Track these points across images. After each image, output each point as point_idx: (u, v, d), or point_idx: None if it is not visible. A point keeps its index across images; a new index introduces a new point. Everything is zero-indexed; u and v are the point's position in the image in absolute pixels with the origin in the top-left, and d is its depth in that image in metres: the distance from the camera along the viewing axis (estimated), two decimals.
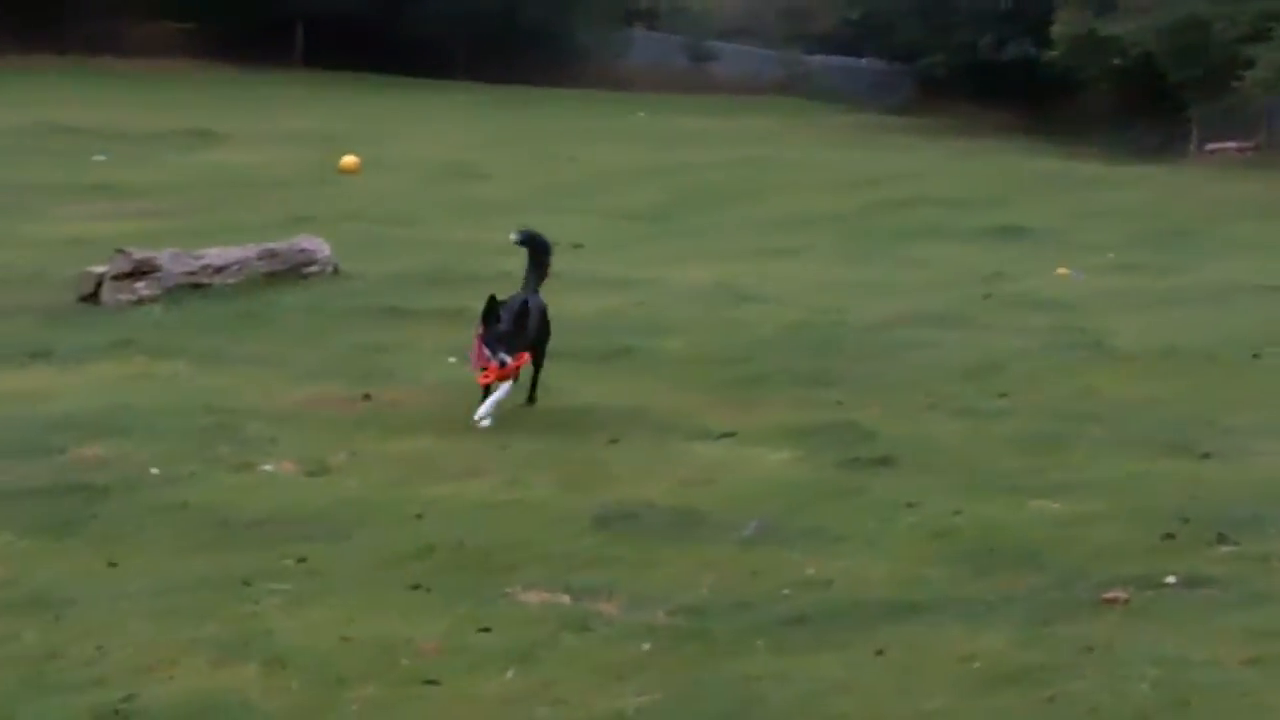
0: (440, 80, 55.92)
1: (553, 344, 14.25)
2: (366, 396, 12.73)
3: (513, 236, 13.42)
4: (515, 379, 12.38)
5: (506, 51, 60.04)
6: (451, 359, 14.09)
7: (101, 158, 29.71)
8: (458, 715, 7.43)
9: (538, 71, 59.72)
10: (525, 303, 12.25)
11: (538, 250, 13.10)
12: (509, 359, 11.88)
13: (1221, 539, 10.08)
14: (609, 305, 16.83)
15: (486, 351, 11.95)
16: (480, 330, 12.09)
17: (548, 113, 48.59)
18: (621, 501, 10.34)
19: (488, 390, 12.13)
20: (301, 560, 9.24)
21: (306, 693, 7.65)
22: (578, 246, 20.63)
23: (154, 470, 10.81)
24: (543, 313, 12.95)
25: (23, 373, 13.30)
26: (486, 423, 12.02)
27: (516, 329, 11.92)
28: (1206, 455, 12.23)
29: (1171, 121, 50.50)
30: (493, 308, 12.02)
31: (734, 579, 9.06)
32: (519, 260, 17.64)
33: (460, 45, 59.25)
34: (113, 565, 9.14)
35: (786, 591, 8.88)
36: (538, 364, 12.97)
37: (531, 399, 12.80)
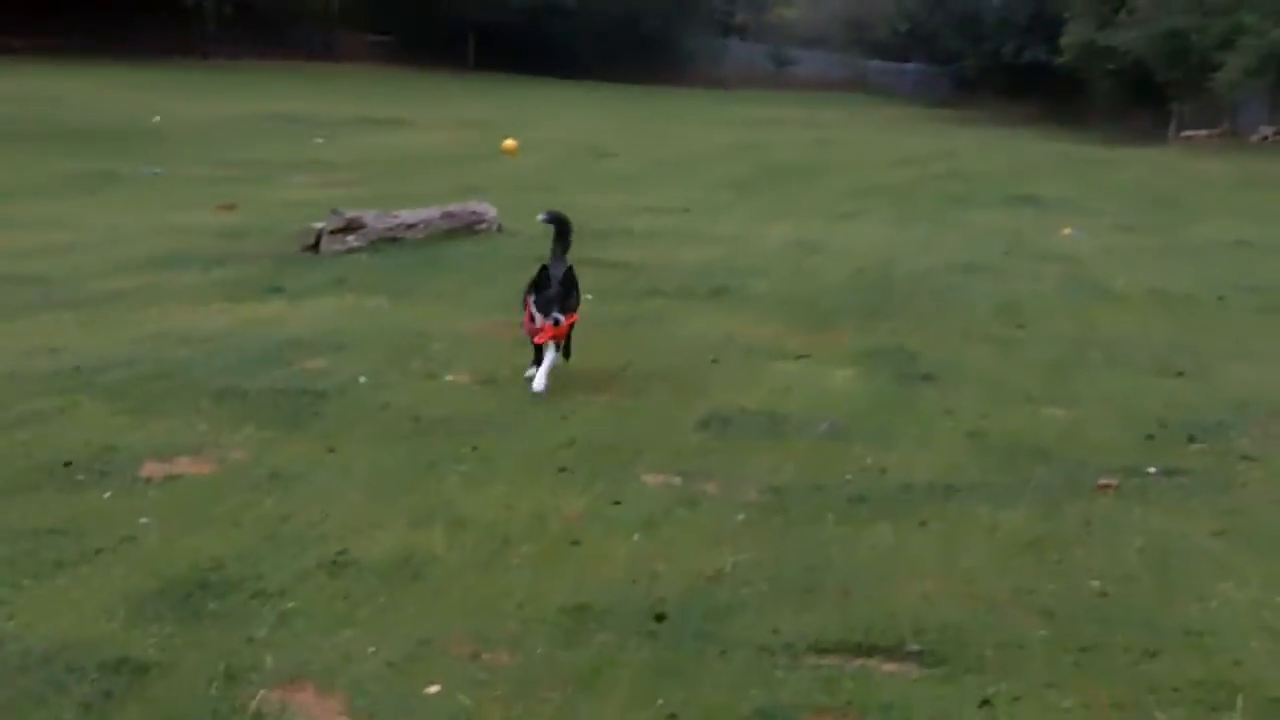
0: (577, 79, 55.87)
1: (667, 283, 14.31)
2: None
3: (540, 217, 11.91)
4: (563, 342, 11.12)
5: (629, 57, 60.18)
6: (587, 296, 14.13)
7: (320, 140, 29.85)
8: (596, 568, 7.50)
9: (652, 73, 59.84)
10: (571, 269, 11.06)
11: (562, 227, 11.69)
12: (562, 318, 10.74)
13: (1192, 439, 10.10)
14: (710, 255, 16.81)
15: (538, 314, 10.77)
16: (530, 296, 10.91)
17: (660, 105, 48.49)
18: (720, 407, 10.38)
19: (539, 352, 10.95)
20: (475, 448, 9.33)
21: (479, 549, 7.74)
22: (685, 210, 20.64)
23: (362, 379, 10.91)
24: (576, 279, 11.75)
25: (263, 304, 13.44)
26: (542, 387, 10.74)
27: (566, 292, 10.80)
28: (1181, 374, 12.22)
29: (1156, 113, 50.17)
30: (543, 275, 10.94)
31: (809, 466, 9.09)
32: (638, 220, 17.69)
33: (593, 52, 59.38)
34: (331, 451, 9.24)
35: (850, 476, 8.91)
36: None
37: (567, 355, 11.44)
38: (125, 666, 6.28)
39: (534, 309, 10.76)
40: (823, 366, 11.65)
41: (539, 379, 10.75)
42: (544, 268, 11.01)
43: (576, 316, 10.92)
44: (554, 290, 10.75)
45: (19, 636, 6.49)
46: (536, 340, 10.83)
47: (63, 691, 6.03)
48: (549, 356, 10.84)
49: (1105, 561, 7.73)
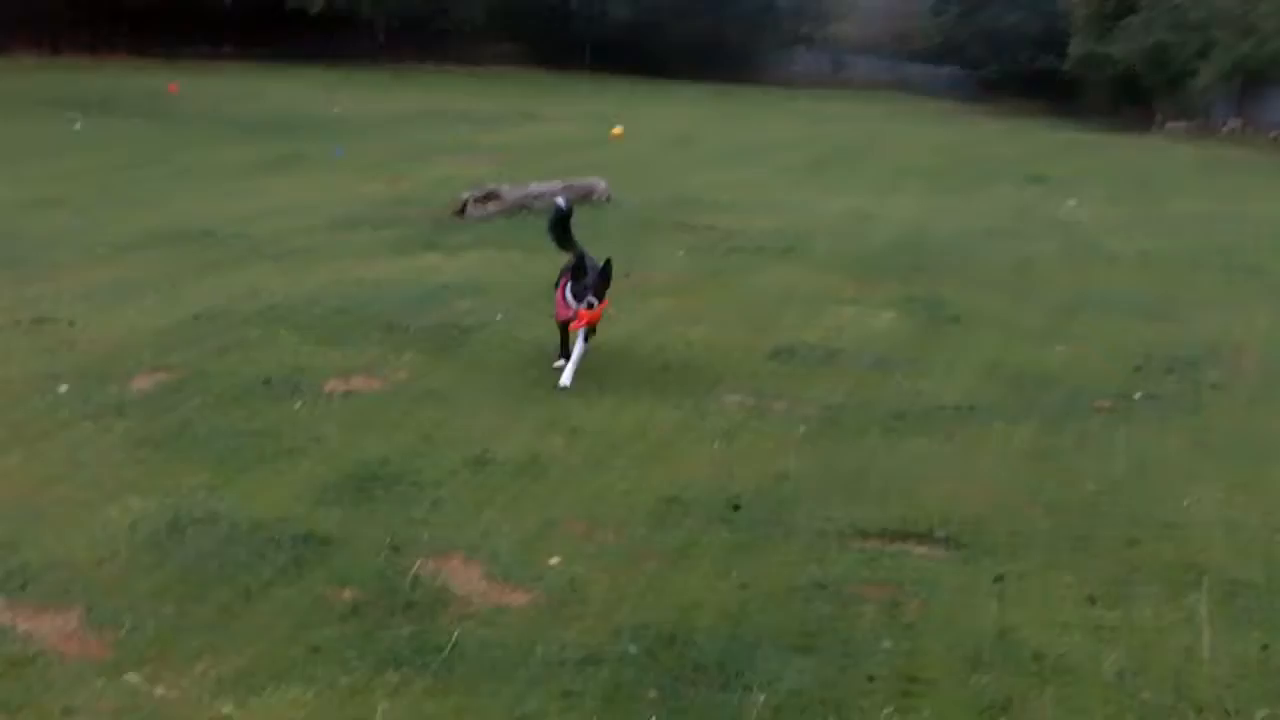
0: (672, 79, 55.54)
1: (745, 243, 14.23)
2: (628, 274, 12.77)
3: (560, 202, 10.37)
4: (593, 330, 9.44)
5: (715, 62, 59.86)
6: (680, 252, 14.09)
7: (464, 128, 29.85)
8: (686, 467, 7.52)
9: (734, 74, 59.46)
10: (608, 261, 9.53)
11: (564, 225, 10.13)
12: (596, 302, 9.14)
13: (1170, 371, 9.98)
14: (780, 222, 16.71)
15: (571, 299, 9.22)
16: (564, 282, 9.37)
17: (739, 101, 48.10)
18: (787, 341, 10.32)
19: (565, 343, 9.37)
20: (589, 371, 9.34)
21: (592, 451, 7.77)
22: (759, 185, 20.52)
23: (499, 317, 10.94)
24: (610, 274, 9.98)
25: (421, 257, 13.50)
26: (569, 382, 9.03)
27: (601, 282, 9.34)
28: (1163, 319, 12.03)
29: (1144, 109, 49.58)
30: (580, 264, 9.35)
31: (858, 390, 9.04)
32: (721, 193, 17.57)
33: (685, 58, 59.08)
34: (474, 373, 9.30)
35: (892, 398, 8.86)
36: None
37: (592, 332, 9.80)
38: (312, 539, 6.37)
39: (568, 295, 9.22)
40: (870, 310, 11.56)
41: (566, 374, 9.06)
42: (581, 256, 9.49)
43: (608, 303, 9.36)
44: (591, 278, 9.20)
45: (229, 515, 6.59)
46: (572, 326, 9.19)
47: (263, 558, 6.12)
48: (578, 350, 9.20)
49: (1098, 468, 7.66)
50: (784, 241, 14.81)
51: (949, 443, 7.99)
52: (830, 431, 8.17)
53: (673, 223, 16.19)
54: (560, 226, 9.99)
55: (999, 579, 6.14)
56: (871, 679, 5.19)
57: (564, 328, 9.33)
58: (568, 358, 9.15)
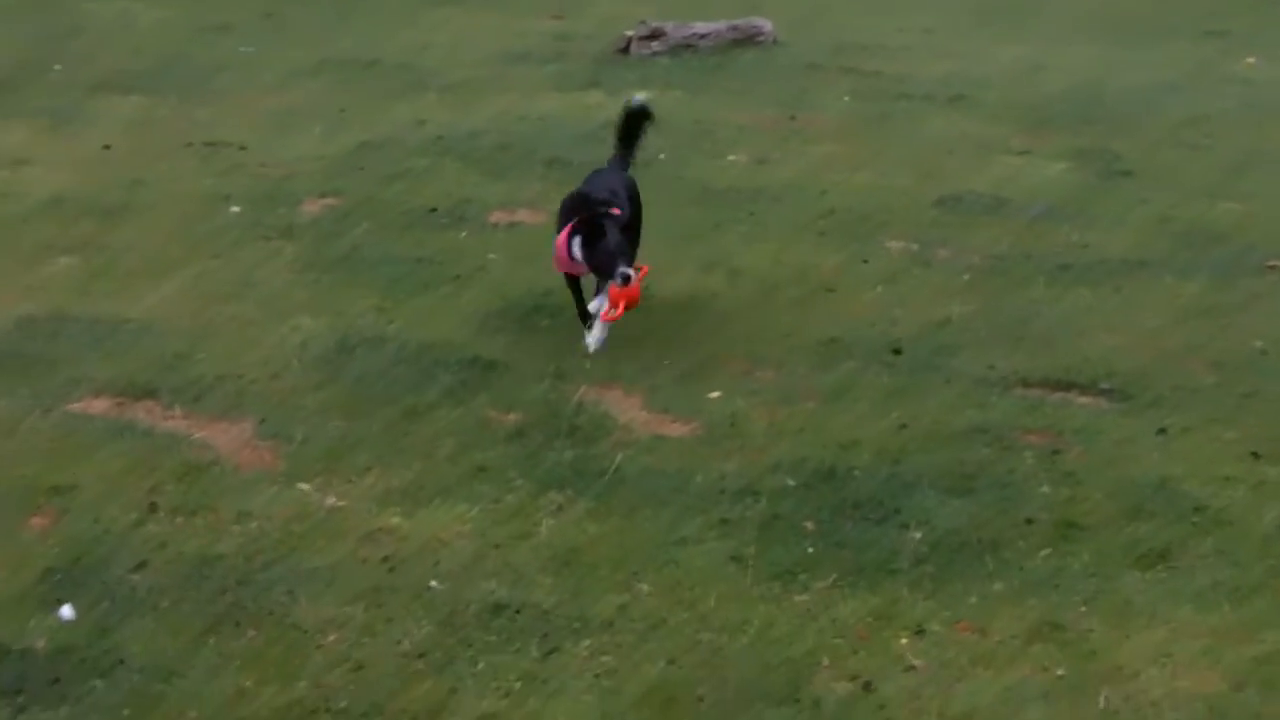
0: None
1: (914, 89, 13.89)
2: (792, 118, 12.61)
3: (633, 101, 8.14)
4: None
5: None
6: (846, 98, 13.87)
7: None
8: (846, 309, 7.47)
9: None
10: (634, 186, 7.59)
11: (634, 125, 8.05)
12: (632, 274, 6.61)
13: None
14: (950, 68, 16.26)
15: (579, 255, 6.78)
16: (568, 230, 6.87)
17: None
18: (953, 189, 10.13)
19: (576, 293, 7.06)
20: (751, 214, 9.29)
21: (753, 292, 7.76)
22: (929, 32, 19.99)
23: (661, 155, 10.88)
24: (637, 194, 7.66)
25: (584, 94, 13.40)
26: (595, 345, 6.77)
27: (629, 234, 7.04)
28: None
29: None
30: (595, 218, 6.77)
31: (1025, 240, 8.85)
32: (891, 38, 17.15)
33: None
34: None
35: (1058, 249, 8.68)
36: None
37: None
38: (477, 363, 6.49)
39: (575, 251, 6.81)
40: (1039, 161, 11.26)
41: (593, 336, 6.84)
42: (585, 199, 7.08)
43: (647, 269, 6.98)
44: (613, 239, 6.70)
45: (398, 337, 6.74)
46: (605, 316, 6.77)
47: (431, 379, 6.27)
48: (596, 303, 7.01)
49: (1267, 326, 7.44)
50: (953, 89, 14.43)
51: (1115, 295, 7.82)
52: (994, 280, 8.04)
53: (839, 67, 15.84)
54: (634, 122, 8.01)
55: (1161, 431, 6.05)
56: (1029, 522, 5.18)
57: (572, 281, 7.11)
58: (585, 316, 6.99)
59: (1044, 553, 4.98)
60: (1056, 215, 9.46)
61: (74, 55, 13.66)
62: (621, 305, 6.58)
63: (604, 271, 6.71)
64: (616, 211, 6.90)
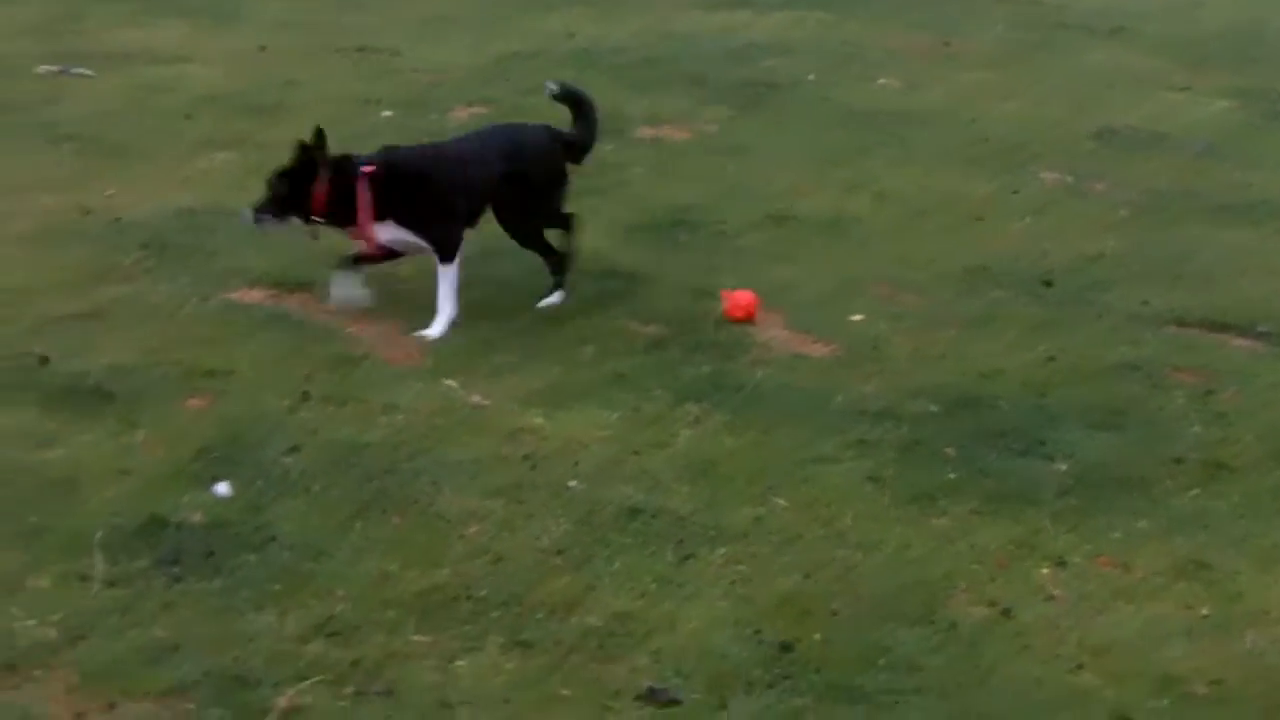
0: None
1: (1072, 19, 13.59)
2: (946, 44, 12.42)
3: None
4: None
5: None
6: (1000, 26, 13.60)
7: None
8: (994, 240, 7.40)
9: None
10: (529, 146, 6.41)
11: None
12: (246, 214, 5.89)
13: None
14: (1110, 1, 15.94)
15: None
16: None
17: None
18: (1111, 122, 9.92)
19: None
20: (899, 138, 9.20)
21: (898, 216, 7.72)
22: None
23: (809, 77, 10.80)
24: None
25: (732, 13, 13.29)
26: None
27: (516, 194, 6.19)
28: None
29: None
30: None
31: (1183, 177, 8.66)
32: None
33: None
34: (781, 131, 9.26)
35: (1219, 188, 8.49)
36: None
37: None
38: (618, 275, 6.54)
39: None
40: (1201, 98, 10.99)
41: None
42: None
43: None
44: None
45: None
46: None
47: (572, 288, 6.31)
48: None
49: None
50: (1111, 21, 14.11)
51: (1276, 237, 7.64)
52: (1151, 217, 7.89)
53: None
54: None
55: None
56: (1179, 461, 5.12)
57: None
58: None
59: (1192, 493, 4.93)
60: (1218, 153, 9.25)
61: None
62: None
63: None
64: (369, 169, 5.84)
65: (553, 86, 6.82)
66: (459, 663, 3.77)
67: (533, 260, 6.49)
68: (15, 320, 5.52)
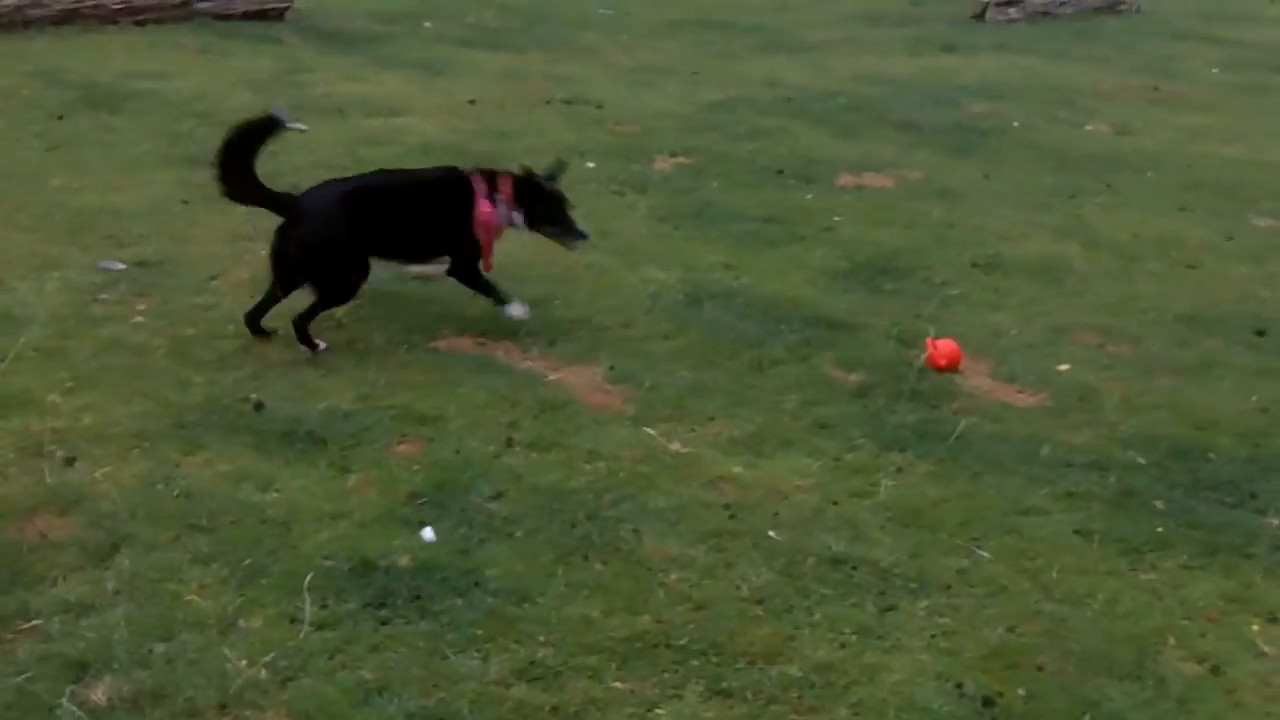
0: None
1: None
2: (1155, 88, 12.18)
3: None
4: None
5: None
6: (1215, 69, 13.27)
7: None
8: (1208, 288, 7.25)
9: None
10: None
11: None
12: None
13: None
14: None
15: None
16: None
17: None
18: None
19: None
20: (1109, 185, 9.06)
21: (1110, 263, 7.60)
22: None
23: (1015, 123, 10.69)
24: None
25: (938, 58, 13.31)
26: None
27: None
28: None
29: None
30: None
31: None
32: (1274, 8, 16.23)
33: None
34: (987, 177, 9.18)
35: None
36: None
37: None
38: (821, 322, 6.52)
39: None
40: None
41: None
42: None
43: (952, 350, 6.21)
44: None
45: (745, 293, 6.83)
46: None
47: (775, 335, 6.33)
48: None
49: None
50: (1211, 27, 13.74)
51: None
52: None
53: (1207, 36, 15.26)
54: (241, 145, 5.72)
55: None
56: None
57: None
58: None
59: None
60: None
61: (444, 12, 14.26)
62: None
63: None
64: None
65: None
66: (659, 710, 3.78)
67: (736, 308, 6.55)
68: (236, 367, 5.72)
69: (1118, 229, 8.08)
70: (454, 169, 6.36)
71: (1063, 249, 7.72)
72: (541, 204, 6.28)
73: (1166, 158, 9.75)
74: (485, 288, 6.32)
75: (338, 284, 5.96)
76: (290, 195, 5.96)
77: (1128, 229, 8.08)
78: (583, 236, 6.33)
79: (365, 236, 5.92)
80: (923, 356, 6.10)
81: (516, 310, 6.28)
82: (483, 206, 6.15)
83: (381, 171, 6.54)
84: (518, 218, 6.26)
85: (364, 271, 6.01)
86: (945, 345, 6.13)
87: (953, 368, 6.07)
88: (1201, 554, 4.64)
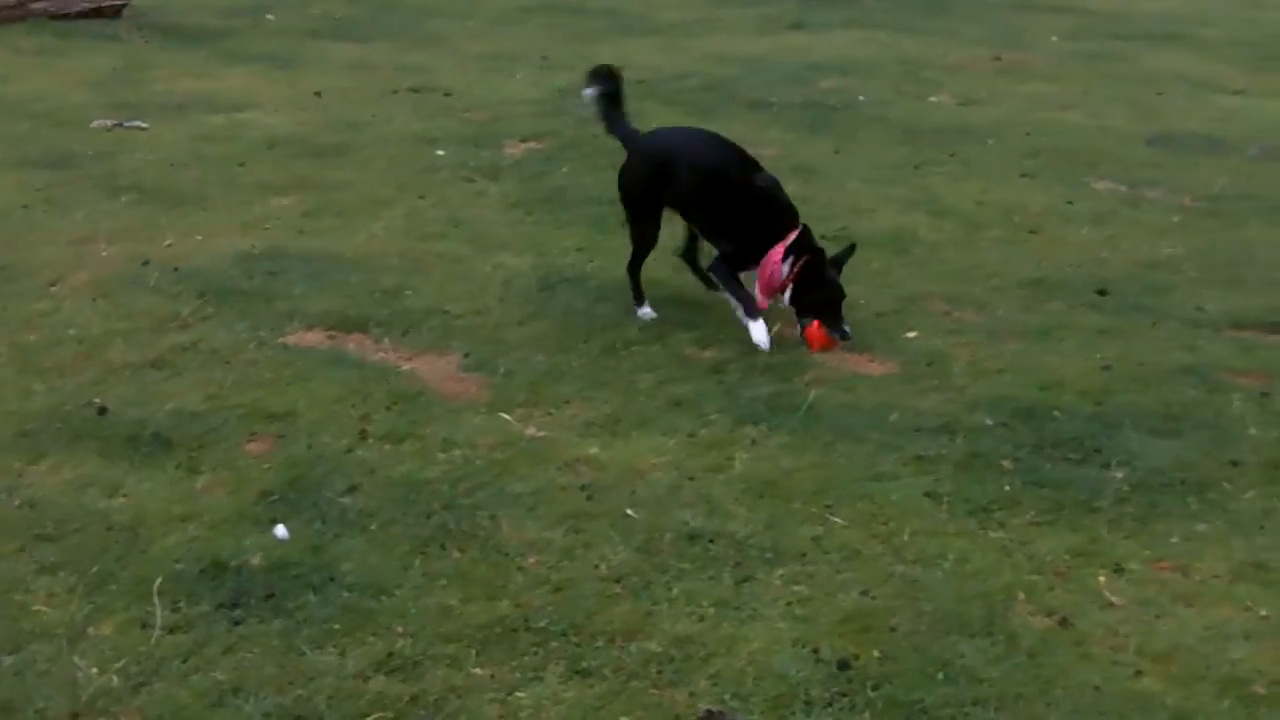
0: None
1: (1127, 28, 13.53)
2: (998, 58, 12.42)
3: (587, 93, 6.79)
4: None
5: None
6: (1054, 37, 13.57)
7: None
8: (1051, 252, 7.41)
9: None
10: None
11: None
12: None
13: None
14: (1168, 6, 15.84)
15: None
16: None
17: None
18: (1167, 129, 9.92)
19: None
20: (954, 154, 9.22)
21: (955, 232, 7.74)
22: None
23: (862, 98, 10.84)
24: None
25: (789, 36, 13.43)
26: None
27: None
28: None
29: None
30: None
31: (1240, 180, 8.64)
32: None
33: None
34: (838, 152, 9.29)
35: (1275, 190, 8.44)
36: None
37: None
38: (677, 301, 6.58)
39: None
40: (1259, 100, 10.93)
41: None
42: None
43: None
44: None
45: (599, 276, 6.90)
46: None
47: (629, 316, 6.37)
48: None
49: None
50: (1168, 27, 14.08)
51: None
52: (1208, 221, 7.86)
53: (1050, 6, 15.57)
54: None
55: None
56: (1236, 463, 5.08)
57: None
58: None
59: (1250, 494, 4.88)
60: (1275, 156, 9.19)
61: (288, 4, 14.11)
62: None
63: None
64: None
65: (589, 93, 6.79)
66: (519, 694, 3.79)
67: (589, 292, 6.58)
68: (78, 372, 5.62)
69: (962, 198, 8.24)
70: (791, 208, 6.35)
71: (910, 220, 7.85)
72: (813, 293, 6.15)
73: (1009, 126, 9.95)
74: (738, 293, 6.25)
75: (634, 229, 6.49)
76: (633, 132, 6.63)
77: (972, 198, 8.24)
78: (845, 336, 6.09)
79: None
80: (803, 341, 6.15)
81: (759, 335, 6.10)
82: (774, 254, 6.14)
83: (738, 154, 6.51)
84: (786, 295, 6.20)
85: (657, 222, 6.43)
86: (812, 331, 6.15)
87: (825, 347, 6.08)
88: (1048, 510, 4.77)
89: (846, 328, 6.08)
